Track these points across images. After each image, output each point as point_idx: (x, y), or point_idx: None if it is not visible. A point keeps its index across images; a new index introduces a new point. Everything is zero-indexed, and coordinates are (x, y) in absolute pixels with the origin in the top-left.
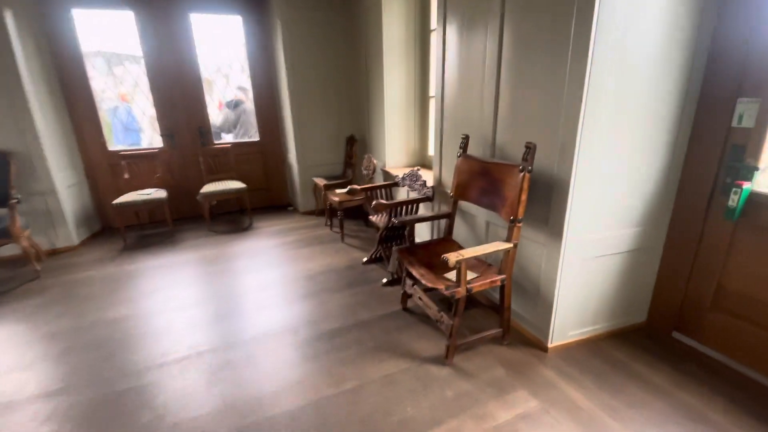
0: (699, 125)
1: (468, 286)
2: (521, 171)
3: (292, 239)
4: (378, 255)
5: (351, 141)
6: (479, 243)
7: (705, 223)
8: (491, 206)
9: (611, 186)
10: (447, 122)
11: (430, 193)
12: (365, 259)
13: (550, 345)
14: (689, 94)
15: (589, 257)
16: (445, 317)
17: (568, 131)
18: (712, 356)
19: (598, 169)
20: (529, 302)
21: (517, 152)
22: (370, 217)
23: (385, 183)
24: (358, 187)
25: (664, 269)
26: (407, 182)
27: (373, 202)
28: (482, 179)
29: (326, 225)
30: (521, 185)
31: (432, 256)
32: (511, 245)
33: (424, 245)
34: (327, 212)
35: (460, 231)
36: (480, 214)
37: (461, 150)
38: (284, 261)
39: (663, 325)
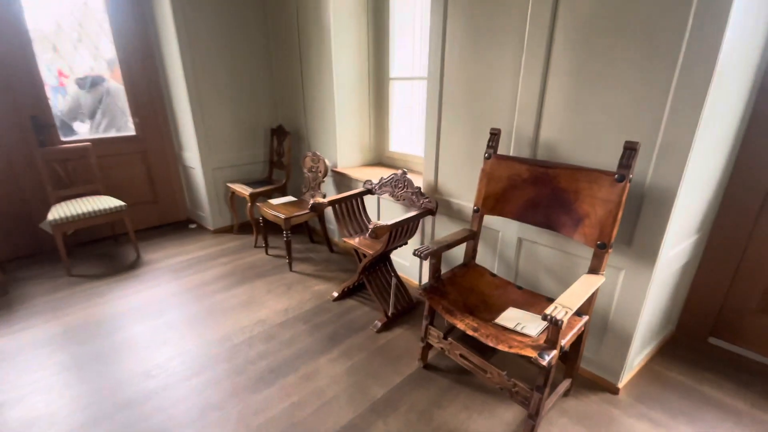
0: (756, 123)
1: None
2: (619, 179)
3: (213, 274)
4: (353, 285)
5: (279, 134)
6: (508, 266)
7: (755, 224)
8: (549, 224)
9: (698, 191)
10: (449, 111)
11: (432, 206)
12: (336, 294)
13: (620, 385)
14: (752, 91)
15: (665, 276)
16: (521, 388)
17: (680, 130)
18: (756, 359)
19: (700, 174)
20: (592, 339)
21: (574, 153)
22: (346, 239)
23: (356, 192)
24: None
25: (701, 275)
26: (387, 189)
27: (372, 225)
28: (534, 188)
29: (256, 246)
30: (618, 198)
31: (467, 294)
32: (603, 279)
33: (449, 278)
34: (255, 229)
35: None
36: (507, 228)
37: (490, 149)
38: (211, 315)
39: (698, 333)
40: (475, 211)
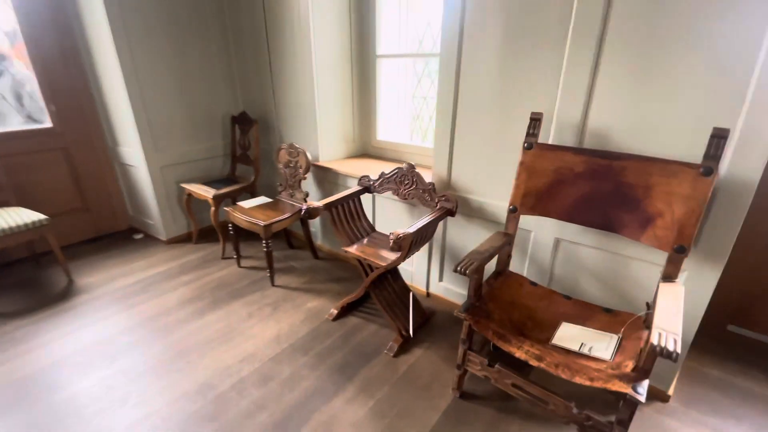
0: None
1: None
2: (705, 173)
3: (175, 299)
4: (352, 300)
5: (242, 123)
6: (541, 270)
7: None
8: (607, 226)
9: None
10: (468, 94)
11: (451, 205)
12: (334, 311)
13: (671, 392)
14: None
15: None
16: (596, 421)
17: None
18: None
19: None
20: None
21: (632, 143)
22: (347, 248)
23: (353, 191)
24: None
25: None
26: (390, 187)
27: (393, 236)
28: (590, 184)
29: (225, 257)
30: (703, 195)
31: (510, 309)
32: (683, 289)
33: (487, 293)
34: (223, 237)
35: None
36: (542, 227)
37: (531, 138)
38: (181, 355)
39: (718, 321)
40: (511, 211)
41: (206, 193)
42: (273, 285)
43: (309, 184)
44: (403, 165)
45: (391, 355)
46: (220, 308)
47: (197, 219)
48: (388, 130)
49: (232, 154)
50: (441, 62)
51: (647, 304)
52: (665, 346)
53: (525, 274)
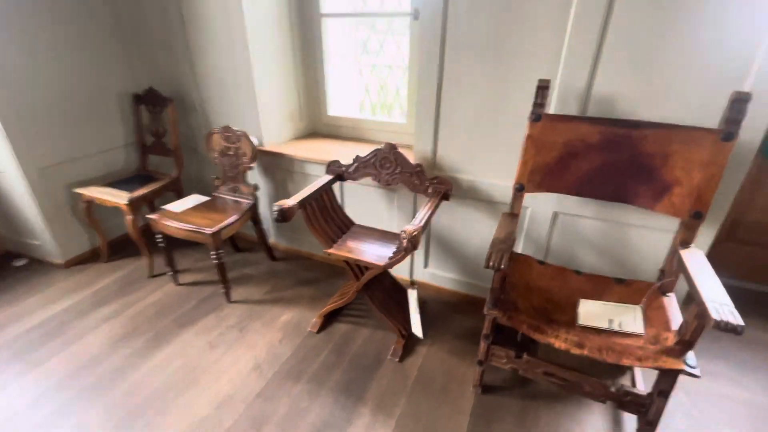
0: None
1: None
2: (725, 138)
3: (101, 340)
4: (339, 306)
5: (151, 103)
6: (537, 245)
7: None
8: (619, 197)
9: None
10: (457, 61)
11: (446, 188)
12: (317, 322)
13: None
14: None
15: None
16: (635, 395)
17: None
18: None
19: None
20: None
21: (638, 110)
22: (331, 250)
23: (324, 182)
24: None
25: None
26: (369, 172)
27: (406, 233)
28: (603, 155)
29: (154, 276)
30: (723, 160)
31: (528, 294)
32: (701, 251)
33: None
34: (148, 251)
35: (481, 228)
36: (539, 203)
37: (539, 108)
38: (135, 415)
39: None
40: (517, 190)
41: (116, 198)
42: (230, 301)
43: (255, 174)
44: (381, 145)
45: (397, 360)
46: (168, 343)
47: (104, 230)
48: (341, 105)
49: (139, 143)
50: (422, 23)
51: (661, 271)
52: (728, 321)
53: (521, 251)
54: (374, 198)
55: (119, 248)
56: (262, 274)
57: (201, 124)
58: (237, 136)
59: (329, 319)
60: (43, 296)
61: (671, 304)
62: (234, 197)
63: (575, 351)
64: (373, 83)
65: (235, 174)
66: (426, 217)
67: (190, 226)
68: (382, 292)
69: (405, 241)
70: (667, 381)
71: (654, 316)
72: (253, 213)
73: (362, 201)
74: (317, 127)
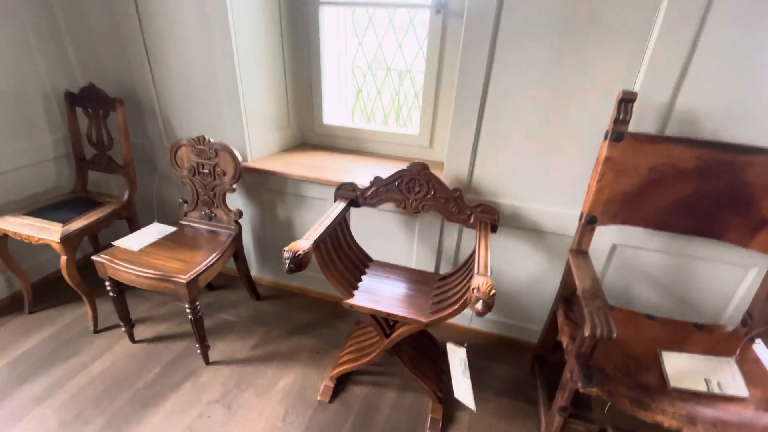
0: None
1: None
2: None
3: None
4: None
5: (92, 103)
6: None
7: None
8: (704, 230)
9: None
10: (506, 68)
11: (492, 218)
12: (328, 386)
13: None
14: None
15: None
16: None
17: None
18: None
19: None
20: None
21: (727, 131)
22: (351, 301)
23: (338, 211)
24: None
25: None
26: (393, 197)
27: (479, 288)
28: (696, 183)
29: (98, 330)
30: None
31: (607, 352)
32: None
33: (573, 334)
34: (89, 300)
35: (523, 262)
36: (597, 233)
37: (621, 125)
38: None
39: None
40: (588, 222)
41: (43, 233)
42: (208, 363)
43: (234, 196)
44: (408, 165)
45: None
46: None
47: (25, 270)
48: (336, 112)
49: (75, 155)
50: (468, 17)
51: (748, 314)
52: None
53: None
54: (389, 224)
55: (48, 291)
56: (245, 320)
57: (158, 131)
58: (214, 150)
59: (341, 380)
60: None
61: (764, 354)
62: (209, 226)
63: (687, 429)
64: (371, 87)
65: (210, 197)
66: (486, 261)
67: (154, 272)
68: (410, 345)
69: (480, 304)
70: None
71: (751, 371)
72: (236, 246)
73: (373, 227)
74: (307, 137)
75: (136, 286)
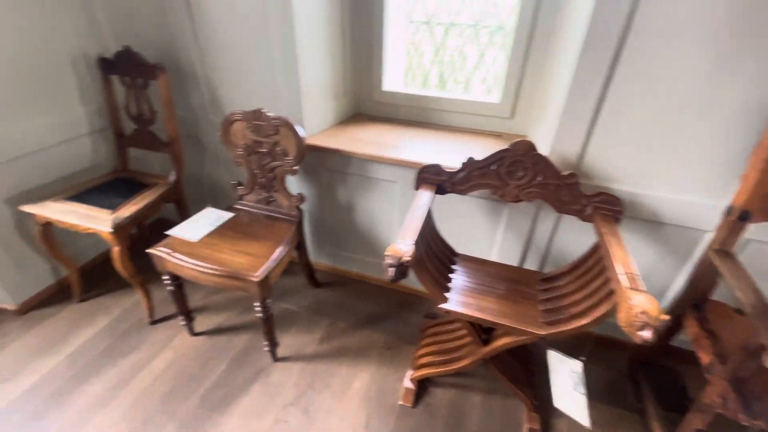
0: None
1: None
2: None
3: None
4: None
5: (129, 71)
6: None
7: None
8: None
9: None
10: (651, 30)
11: (617, 210)
12: (409, 388)
13: None
14: None
15: None
16: None
17: None
18: None
19: None
20: None
21: None
22: (445, 306)
23: (425, 201)
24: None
25: None
26: (489, 182)
27: (647, 315)
28: None
29: (155, 321)
30: None
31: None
32: None
33: (713, 344)
34: (145, 292)
35: (638, 259)
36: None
37: None
38: None
39: None
40: (740, 218)
41: (92, 221)
42: (275, 360)
43: (291, 177)
44: (511, 144)
45: None
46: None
47: (71, 255)
48: (397, 77)
49: (113, 130)
50: None
51: None
52: None
53: (674, 289)
54: (471, 210)
55: (94, 277)
56: (307, 310)
57: (206, 104)
58: (273, 126)
59: (421, 382)
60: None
61: None
62: (267, 212)
63: None
64: (446, 49)
65: (269, 179)
66: (632, 269)
67: (222, 268)
68: (506, 353)
69: (647, 332)
70: None
71: None
72: (300, 235)
73: (448, 212)
74: (363, 107)
75: (200, 283)
